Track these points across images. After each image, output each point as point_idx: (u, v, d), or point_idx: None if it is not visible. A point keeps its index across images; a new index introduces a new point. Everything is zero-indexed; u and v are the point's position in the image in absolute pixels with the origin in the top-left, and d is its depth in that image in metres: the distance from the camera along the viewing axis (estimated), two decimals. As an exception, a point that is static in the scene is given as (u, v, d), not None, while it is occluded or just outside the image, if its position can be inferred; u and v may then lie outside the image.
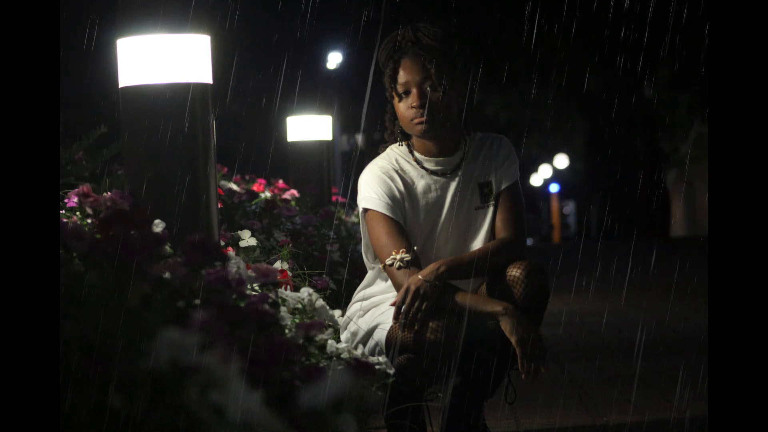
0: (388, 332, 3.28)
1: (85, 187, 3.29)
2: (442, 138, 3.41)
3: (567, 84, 21.31)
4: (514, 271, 3.30)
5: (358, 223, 3.69)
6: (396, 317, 3.24)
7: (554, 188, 42.16)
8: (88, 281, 1.83)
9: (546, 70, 20.22)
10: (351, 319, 3.40)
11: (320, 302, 2.80)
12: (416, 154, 3.44)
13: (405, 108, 3.37)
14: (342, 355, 2.62)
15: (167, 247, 2.61)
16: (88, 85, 9.72)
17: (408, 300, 3.22)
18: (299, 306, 2.78)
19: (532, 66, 20.28)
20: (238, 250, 4.03)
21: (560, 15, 18.13)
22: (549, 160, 40.12)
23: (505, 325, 3.20)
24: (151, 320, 1.75)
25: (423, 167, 3.42)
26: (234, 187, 6.10)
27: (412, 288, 3.23)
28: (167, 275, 2.01)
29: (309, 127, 7.12)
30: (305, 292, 2.80)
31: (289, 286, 3.41)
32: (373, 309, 3.40)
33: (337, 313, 3.16)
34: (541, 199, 44.18)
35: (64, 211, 3.30)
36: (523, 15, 17.87)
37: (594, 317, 7.24)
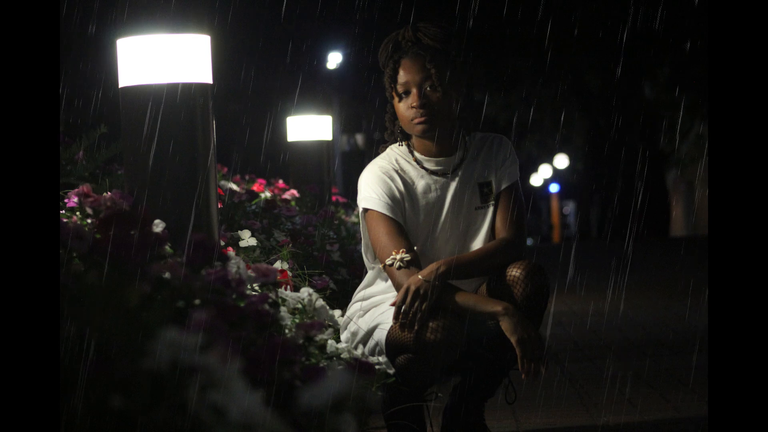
0: (388, 332, 3.28)
1: (85, 187, 3.29)
2: (442, 138, 3.41)
3: (568, 84, 21.30)
4: (514, 271, 3.30)
5: (358, 223, 3.69)
6: (396, 317, 3.24)
7: (554, 188, 42.16)
8: (88, 281, 1.83)
9: (546, 70, 20.21)
10: (351, 319, 3.40)
11: (320, 302, 2.80)
12: (416, 154, 3.44)
13: (405, 108, 3.37)
14: (342, 355, 2.62)
15: (167, 247, 2.61)
16: (88, 85, 9.72)
17: (408, 300, 3.22)
18: (299, 306, 2.78)
19: (533, 66, 20.27)
20: (238, 250, 4.03)
21: (560, 15, 18.13)
22: (549, 160, 40.12)
23: (505, 325, 3.20)
24: (151, 320, 1.75)
25: (423, 167, 3.42)
26: (234, 187, 6.10)
27: (412, 288, 3.23)
28: (167, 275, 2.01)
29: (309, 127, 7.12)
30: (305, 292, 2.80)
31: (289, 286, 3.41)
32: (373, 309, 3.40)
33: (337, 313, 3.16)
34: (541, 199, 44.18)
35: (64, 211, 3.30)
36: (524, 15, 17.87)
37: (594, 317, 7.24)
